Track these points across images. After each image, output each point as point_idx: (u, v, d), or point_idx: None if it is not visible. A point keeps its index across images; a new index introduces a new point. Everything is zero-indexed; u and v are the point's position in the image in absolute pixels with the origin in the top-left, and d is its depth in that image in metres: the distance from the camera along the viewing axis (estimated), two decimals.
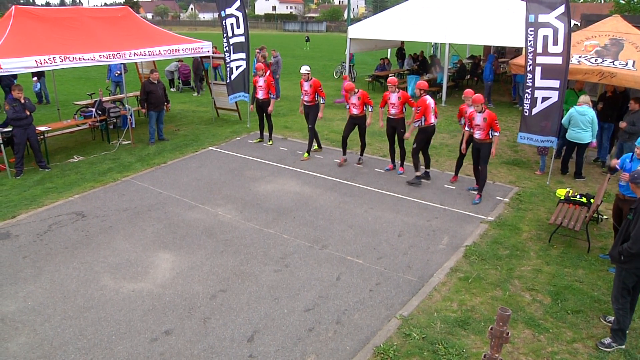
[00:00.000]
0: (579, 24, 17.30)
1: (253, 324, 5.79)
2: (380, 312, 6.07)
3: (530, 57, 10.02)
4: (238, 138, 13.52)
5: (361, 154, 11.50)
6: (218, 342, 5.48)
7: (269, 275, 6.80)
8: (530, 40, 9.95)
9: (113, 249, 7.44)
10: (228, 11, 13.64)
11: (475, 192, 9.52)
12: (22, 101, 10.06)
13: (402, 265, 7.14)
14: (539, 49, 9.85)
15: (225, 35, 13.79)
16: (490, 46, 24.92)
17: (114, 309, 6.04)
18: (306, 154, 11.67)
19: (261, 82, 12.32)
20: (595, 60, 10.76)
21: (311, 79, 11.38)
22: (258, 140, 13.03)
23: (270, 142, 12.78)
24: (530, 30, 9.91)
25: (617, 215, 7.10)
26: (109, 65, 16.52)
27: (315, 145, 12.10)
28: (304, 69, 11.38)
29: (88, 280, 6.64)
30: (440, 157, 11.80)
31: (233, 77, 13.99)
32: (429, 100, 9.75)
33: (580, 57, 10.95)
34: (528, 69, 10.09)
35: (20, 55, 9.89)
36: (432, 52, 27.74)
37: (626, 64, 10.39)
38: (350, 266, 7.08)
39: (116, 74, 17.26)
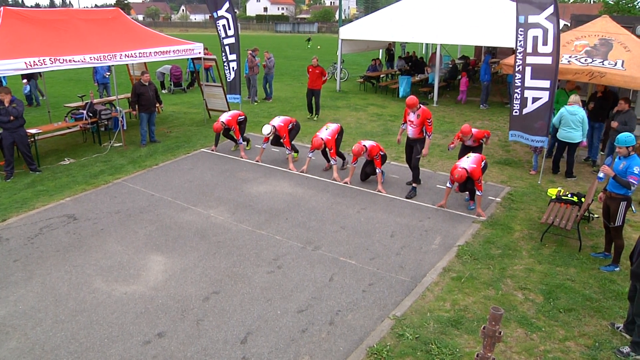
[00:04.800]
0: (568, 24, 17.45)
1: (246, 326, 5.78)
2: (374, 313, 6.07)
3: (520, 57, 10.09)
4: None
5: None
6: (211, 344, 5.46)
7: (262, 277, 6.79)
8: (520, 41, 10.01)
9: (105, 252, 7.40)
10: (219, 13, 13.70)
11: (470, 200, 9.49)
12: (7, 104, 9.93)
13: (394, 265, 7.15)
14: (529, 49, 9.91)
15: (221, 36, 13.89)
16: (482, 46, 25.07)
17: (106, 312, 6.00)
18: (295, 154, 11.58)
19: None
20: (585, 60, 10.84)
21: (276, 131, 11.01)
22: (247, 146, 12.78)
23: (234, 148, 12.55)
24: (521, 31, 9.97)
25: (606, 212, 7.15)
26: (94, 67, 16.46)
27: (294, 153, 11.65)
28: (265, 131, 10.88)
29: (80, 283, 6.59)
30: (432, 157, 11.84)
31: (232, 77, 14.08)
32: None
33: (570, 57, 11.02)
34: (517, 69, 10.16)
35: (9, 57, 9.81)
36: (422, 52, 27.84)
37: (615, 64, 10.48)
38: (343, 267, 7.08)
39: (106, 75, 17.18)
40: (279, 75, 24.96)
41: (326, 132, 10.47)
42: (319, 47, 48.34)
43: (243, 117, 12.05)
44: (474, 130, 9.67)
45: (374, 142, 10.08)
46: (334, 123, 10.87)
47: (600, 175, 6.99)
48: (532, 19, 9.76)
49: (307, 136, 13.26)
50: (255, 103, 18.46)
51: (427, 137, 9.65)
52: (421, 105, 9.57)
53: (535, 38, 9.79)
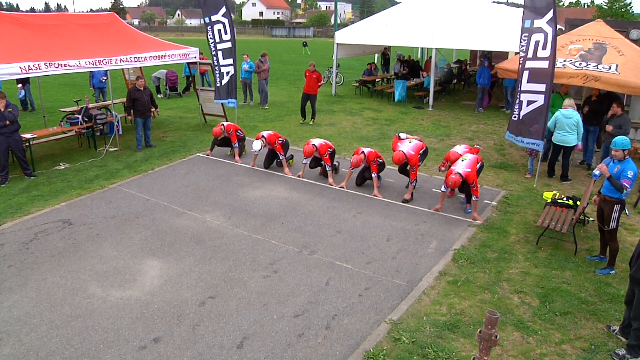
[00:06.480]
0: (563, 28, 17.54)
1: (242, 331, 5.76)
2: (370, 317, 6.06)
3: (521, 61, 10.15)
4: None
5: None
6: (207, 349, 5.44)
7: (258, 281, 6.78)
8: (523, 46, 10.06)
9: (100, 257, 7.37)
10: (214, 18, 13.68)
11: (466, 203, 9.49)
12: (2, 109, 9.89)
13: (391, 269, 7.14)
14: (530, 54, 9.97)
15: (212, 41, 13.84)
16: (477, 51, 25.20)
17: (102, 317, 5.98)
18: (290, 160, 11.62)
19: None
20: (580, 64, 10.90)
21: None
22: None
23: (230, 153, 12.51)
24: (525, 36, 10.04)
25: (600, 215, 7.18)
26: (90, 72, 16.42)
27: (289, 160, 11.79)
28: (256, 147, 10.93)
29: (75, 288, 6.56)
30: (427, 161, 11.84)
31: (223, 82, 14.05)
32: (406, 149, 9.50)
33: (565, 60, 11.08)
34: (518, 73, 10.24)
35: (4, 61, 9.78)
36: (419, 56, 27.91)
37: (609, 68, 10.54)
38: (339, 271, 7.07)
39: (103, 80, 17.16)
40: (274, 79, 24.98)
41: (319, 139, 10.58)
42: (304, 43, 48.29)
43: (242, 133, 12.14)
44: (462, 150, 9.64)
45: (372, 149, 10.09)
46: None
47: (597, 172, 6.99)
48: (536, 23, 9.81)
49: (303, 140, 13.26)
50: (266, 107, 18.42)
51: (410, 183, 9.68)
52: (407, 157, 9.38)
53: (537, 43, 9.86)
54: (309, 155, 10.36)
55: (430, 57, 25.49)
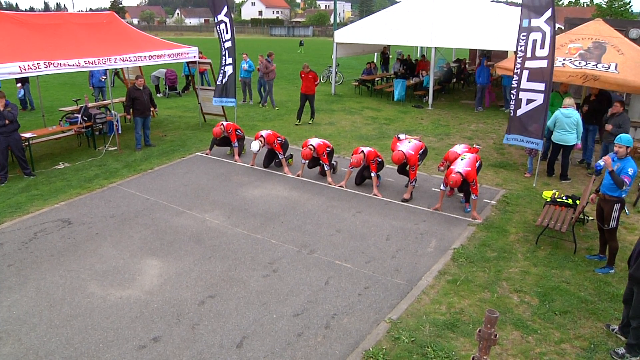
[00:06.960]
0: (562, 27, 17.56)
1: (242, 330, 5.76)
2: (369, 316, 6.06)
3: (519, 60, 10.13)
4: None
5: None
6: (207, 349, 5.44)
7: (258, 281, 6.78)
8: (521, 45, 10.05)
9: (100, 256, 7.37)
10: (219, 17, 13.78)
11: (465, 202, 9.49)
12: (1, 108, 9.88)
13: (390, 268, 7.15)
14: (529, 54, 9.96)
15: (222, 40, 13.92)
16: (476, 50, 25.19)
17: (101, 316, 5.98)
18: (290, 160, 11.62)
19: None
20: (579, 63, 10.90)
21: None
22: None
23: (229, 152, 12.50)
24: (523, 35, 10.02)
25: (600, 214, 7.18)
26: (90, 71, 16.40)
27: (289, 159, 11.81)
28: (254, 148, 10.88)
29: (74, 288, 6.56)
30: (427, 160, 11.84)
31: (224, 80, 14.04)
32: (406, 149, 9.48)
33: (564, 59, 11.08)
34: (516, 71, 10.21)
35: (3, 61, 9.77)
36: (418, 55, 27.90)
37: (609, 67, 10.54)
38: (339, 270, 7.07)
39: (102, 79, 17.14)
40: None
41: (316, 139, 10.59)
42: (301, 42, 48.41)
43: (241, 132, 12.12)
44: (461, 150, 9.64)
45: (372, 148, 10.09)
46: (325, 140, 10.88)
47: (601, 162, 6.95)
48: (534, 22, 9.81)
49: (302, 139, 13.24)
50: (276, 108, 18.39)
51: (409, 183, 9.67)
52: (405, 157, 9.38)
53: (534, 42, 9.85)
54: (307, 159, 10.39)
55: (424, 55, 25.54)
